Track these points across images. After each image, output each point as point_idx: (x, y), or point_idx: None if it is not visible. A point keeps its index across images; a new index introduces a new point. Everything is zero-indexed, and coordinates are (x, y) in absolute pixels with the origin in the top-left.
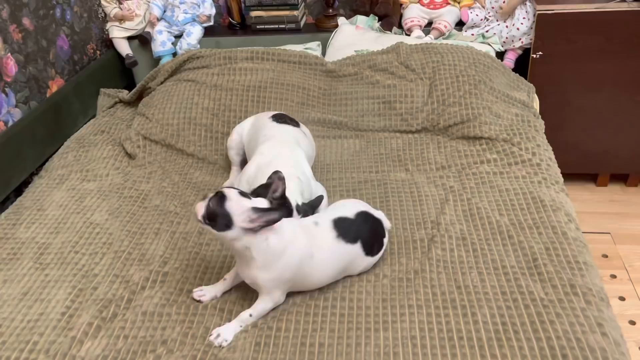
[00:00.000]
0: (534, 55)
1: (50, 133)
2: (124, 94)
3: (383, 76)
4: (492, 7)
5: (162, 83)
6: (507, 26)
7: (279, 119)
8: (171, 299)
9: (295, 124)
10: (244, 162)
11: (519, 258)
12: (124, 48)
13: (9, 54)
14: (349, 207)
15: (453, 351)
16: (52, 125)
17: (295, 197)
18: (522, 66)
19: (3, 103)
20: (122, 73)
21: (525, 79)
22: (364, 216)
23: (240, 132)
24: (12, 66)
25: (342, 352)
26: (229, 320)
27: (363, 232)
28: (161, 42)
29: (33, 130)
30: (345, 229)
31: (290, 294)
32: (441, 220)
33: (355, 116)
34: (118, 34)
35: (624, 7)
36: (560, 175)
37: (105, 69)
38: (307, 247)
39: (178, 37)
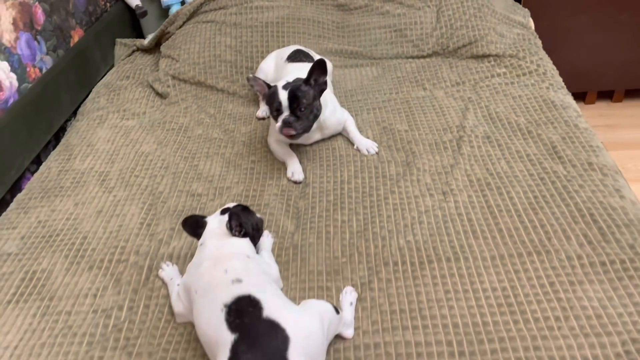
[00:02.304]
0: None
1: (79, 79)
2: (141, 42)
3: (392, 6)
4: None
5: (180, 27)
6: None
7: (293, 58)
8: (241, 202)
9: (310, 59)
10: None
11: (540, 147)
12: None
13: (37, 3)
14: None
15: (496, 221)
16: (80, 72)
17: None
18: None
19: (37, 50)
20: (131, 24)
21: (520, 4)
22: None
23: (266, 72)
24: (40, 15)
25: (401, 231)
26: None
27: (250, 331)
28: None
29: (66, 77)
30: (241, 310)
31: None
32: (465, 124)
33: (369, 45)
34: None
35: None
36: (562, 82)
37: (117, 21)
38: (197, 260)
39: None
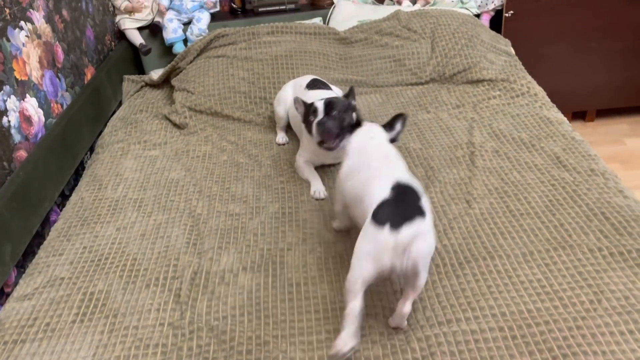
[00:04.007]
0: (507, 14)
1: (95, 114)
2: (149, 78)
3: (390, 39)
4: None
5: (191, 62)
6: None
7: (312, 86)
8: (280, 220)
9: (327, 87)
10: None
11: (545, 158)
12: (137, 38)
13: (57, 42)
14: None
15: (519, 222)
16: (95, 108)
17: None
18: (494, 26)
19: (58, 87)
20: (134, 62)
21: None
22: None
23: (285, 100)
24: (60, 53)
25: (436, 236)
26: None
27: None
28: (173, 29)
29: (84, 112)
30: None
31: None
32: (474, 140)
33: (371, 75)
34: (130, 25)
35: None
36: (552, 102)
37: (122, 59)
38: (357, 162)
39: (186, 24)
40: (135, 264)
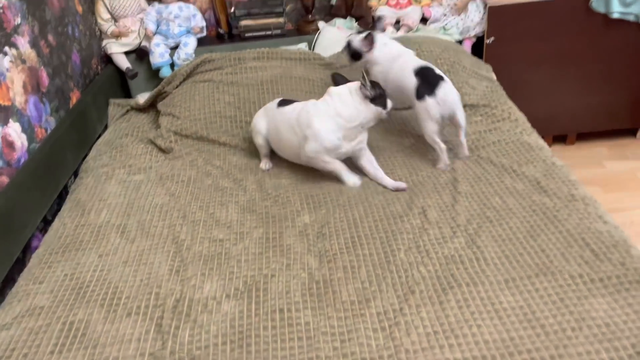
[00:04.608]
0: (488, 41)
1: (80, 139)
2: (135, 102)
3: None
4: (449, 5)
5: (177, 86)
6: (462, 19)
7: (284, 103)
8: (264, 246)
9: (297, 100)
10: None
11: (526, 183)
12: (123, 62)
13: (42, 67)
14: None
15: (502, 248)
16: (80, 132)
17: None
18: (476, 52)
19: (42, 112)
20: (120, 85)
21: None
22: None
23: (259, 129)
24: (45, 78)
25: (420, 262)
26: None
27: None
28: (159, 53)
29: (69, 137)
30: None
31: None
32: (456, 167)
33: None
34: (117, 49)
35: None
36: (532, 127)
37: (108, 83)
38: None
39: (173, 48)
40: (117, 292)
